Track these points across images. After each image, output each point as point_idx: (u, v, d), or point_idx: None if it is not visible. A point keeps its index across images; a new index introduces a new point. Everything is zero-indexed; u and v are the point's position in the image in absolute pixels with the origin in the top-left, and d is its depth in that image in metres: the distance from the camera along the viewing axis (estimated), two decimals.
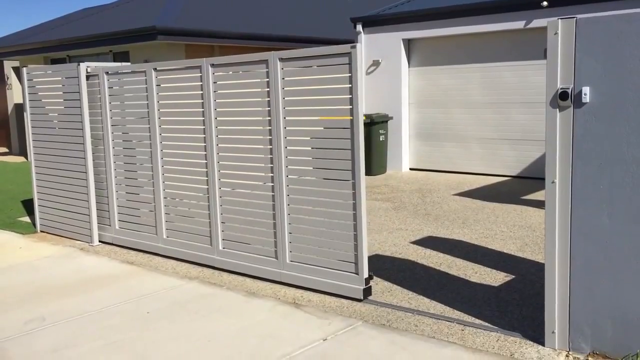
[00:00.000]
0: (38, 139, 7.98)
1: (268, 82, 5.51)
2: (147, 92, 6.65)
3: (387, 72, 12.42)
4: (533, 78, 10.94)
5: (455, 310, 4.83)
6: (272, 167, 5.58)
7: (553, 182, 3.96)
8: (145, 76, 6.64)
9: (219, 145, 6.04)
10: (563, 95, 3.85)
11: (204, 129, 6.12)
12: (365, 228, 5.08)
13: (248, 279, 5.82)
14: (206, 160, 6.15)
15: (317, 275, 5.35)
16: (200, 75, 6.07)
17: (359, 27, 12.64)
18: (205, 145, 6.13)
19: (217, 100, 6.01)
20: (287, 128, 5.46)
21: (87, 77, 7.22)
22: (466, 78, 11.72)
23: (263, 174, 5.65)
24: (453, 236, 7.23)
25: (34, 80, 7.90)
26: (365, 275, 5.09)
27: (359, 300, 5.11)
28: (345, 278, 5.18)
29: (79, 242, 7.52)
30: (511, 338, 4.28)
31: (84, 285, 5.83)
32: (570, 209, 3.92)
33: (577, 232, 3.92)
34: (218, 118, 6.03)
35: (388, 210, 8.75)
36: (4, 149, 20.05)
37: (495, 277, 5.64)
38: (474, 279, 5.62)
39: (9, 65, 18.34)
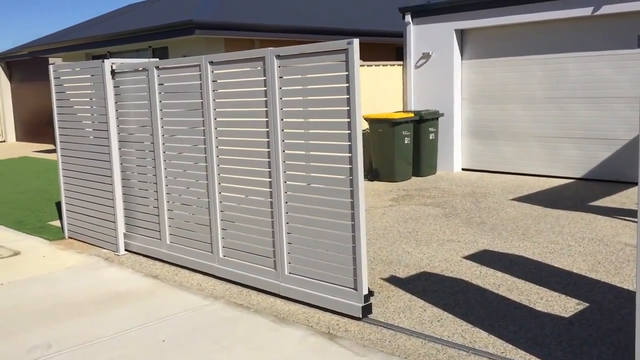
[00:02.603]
0: (65, 140, 7.56)
1: (265, 80, 5.10)
2: (149, 91, 6.31)
3: (437, 66, 11.58)
4: (600, 70, 9.91)
5: (519, 350, 4.07)
6: (269, 172, 5.21)
7: None
8: (147, 75, 6.27)
9: (219, 147, 5.70)
10: None
11: (204, 130, 5.78)
12: (364, 240, 4.65)
13: (278, 300, 5.19)
14: (206, 163, 5.82)
15: (316, 290, 4.96)
16: (200, 74, 5.69)
17: (408, 18, 11.84)
18: (205, 147, 5.81)
19: (216, 100, 5.65)
20: (284, 131, 5.06)
21: (112, 75, 6.73)
22: (525, 71, 10.76)
23: (261, 179, 5.30)
24: (512, 250, 6.41)
25: (61, 78, 7.48)
26: (365, 291, 4.67)
27: (358, 319, 4.66)
28: (344, 294, 4.77)
29: (105, 250, 7.06)
30: None
31: (101, 303, 5.33)
32: None
33: None
34: (217, 119, 5.70)
35: (438, 218, 7.97)
36: (51, 147, 20.12)
37: (565, 305, 4.83)
38: (540, 306, 4.83)
39: (54, 62, 18.33)
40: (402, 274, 5.78)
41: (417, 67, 11.86)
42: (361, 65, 11.23)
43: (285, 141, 5.06)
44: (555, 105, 10.48)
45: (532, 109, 10.76)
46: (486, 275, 5.62)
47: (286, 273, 5.19)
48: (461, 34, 11.45)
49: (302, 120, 4.92)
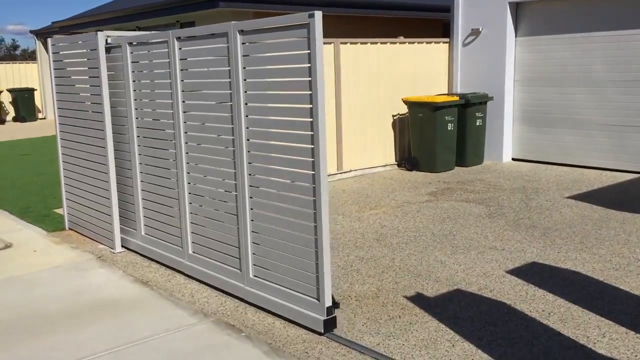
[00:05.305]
0: (64, 121, 6.87)
1: (228, 59, 4.45)
2: (123, 70, 5.75)
3: (488, 43, 10.38)
4: None
5: None
6: (234, 162, 4.66)
7: None
8: (121, 52, 5.68)
9: (187, 133, 5.15)
10: None
11: (172, 113, 5.26)
12: (327, 244, 4.06)
13: (277, 322, 4.33)
14: (175, 150, 5.31)
15: (281, 297, 4.42)
16: (168, 51, 5.13)
17: None
18: (173, 133, 5.30)
19: (184, 81, 5.05)
20: (249, 117, 4.48)
21: (108, 50, 5.94)
22: (588, 50, 9.46)
23: (226, 170, 4.78)
24: (567, 264, 5.35)
25: (60, 53, 6.75)
26: (328, 303, 4.11)
27: (320, 334, 4.09)
28: (307, 304, 4.23)
29: (102, 246, 6.35)
30: None
31: (75, 316, 4.58)
32: None
33: None
34: (186, 102, 5.13)
35: (480, 218, 6.93)
36: None
37: (635, 348, 3.78)
38: (602, 347, 3.80)
39: None
40: (431, 291, 4.82)
41: (464, 44, 10.69)
42: (401, 43, 10.15)
43: (249, 129, 4.48)
44: (623, 89, 9.17)
45: (596, 93, 9.47)
46: (534, 298, 4.60)
47: (251, 276, 4.67)
48: (516, 8, 10.20)
49: (267, 105, 4.33)
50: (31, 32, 22.81)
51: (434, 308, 4.48)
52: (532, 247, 5.83)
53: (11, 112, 22.35)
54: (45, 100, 22.62)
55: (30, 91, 21.80)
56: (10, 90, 21.69)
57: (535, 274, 5.13)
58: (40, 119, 22.72)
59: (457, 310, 4.44)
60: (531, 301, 4.55)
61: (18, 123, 21.51)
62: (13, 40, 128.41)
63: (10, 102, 22.26)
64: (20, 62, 24.42)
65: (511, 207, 7.35)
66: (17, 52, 70.23)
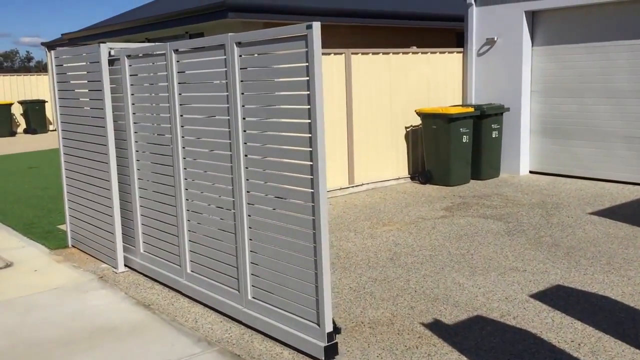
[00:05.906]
0: (67, 136, 6.66)
1: (226, 73, 4.34)
2: (121, 83, 5.60)
3: (504, 53, 10.08)
4: None
5: None
6: (232, 179, 4.48)
7: None
8: (120, 65, 5.53)
9: (185, 148, 4.98)
10: None
11: (170, 128, 5.08)
12: (328, 266, 3.86)
13: (286, 352, 4.05)
14: (172, 165, 5.16)
15: (280, 321, 4.20)
16: (166, 64, 4.97)
17: None
18: (171, 148, 5.14)
19: (182, 95, 4.90)
20: (247, 132, 4.31)
21: (111, 62, 5.73)
22: (609, 59, 9.14)
23: (224, 187, 4.60)
24: (594, 287, 5.03)
25: (63, 65, 6.55)
26: (329, 328, 3.90)
27: None
28: (306, 329, 4.01)
29: (105, 265, 6.11)
30: None
31: (71, 344, 4.33)
32: None
33: None
34: (184, 115, 4.94)
35: (499, 235, 6.62)
36: None
37: None
38: None
39: None
40: (450, 317, 4.52)
41: (479, 54, 10.40)
42: (414, 53, 9.89)
43: (247, 144, 4.30)
44: None
45: (617, 104, 9.14)
46: (561, 327, 4.28)
47: (249, 298, 4.46)
48: (532, 16, 9.91)
49: (265, 119, 4.15)
50: (42, 44, 22.86)
51: (453, 337, 4.18)
52: (556, 269, 5.51)
53: (22, 124, 22.32)
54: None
55: (41, 103, 21.75)
56: (21, 102, 21.65)
57: (560, 298, 4.81)
58: (51, 130, 22.65)
59: (479, 339, 4.13)
60: (558, 330, 4.24)
61: (29, 135, 21.45)
62: (27, 52, 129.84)
63: (21, 114, 22.23)
64: (32, 74, 24.43)
65: (531, 224, 7.03)
66: (32, 63, 70.93)
